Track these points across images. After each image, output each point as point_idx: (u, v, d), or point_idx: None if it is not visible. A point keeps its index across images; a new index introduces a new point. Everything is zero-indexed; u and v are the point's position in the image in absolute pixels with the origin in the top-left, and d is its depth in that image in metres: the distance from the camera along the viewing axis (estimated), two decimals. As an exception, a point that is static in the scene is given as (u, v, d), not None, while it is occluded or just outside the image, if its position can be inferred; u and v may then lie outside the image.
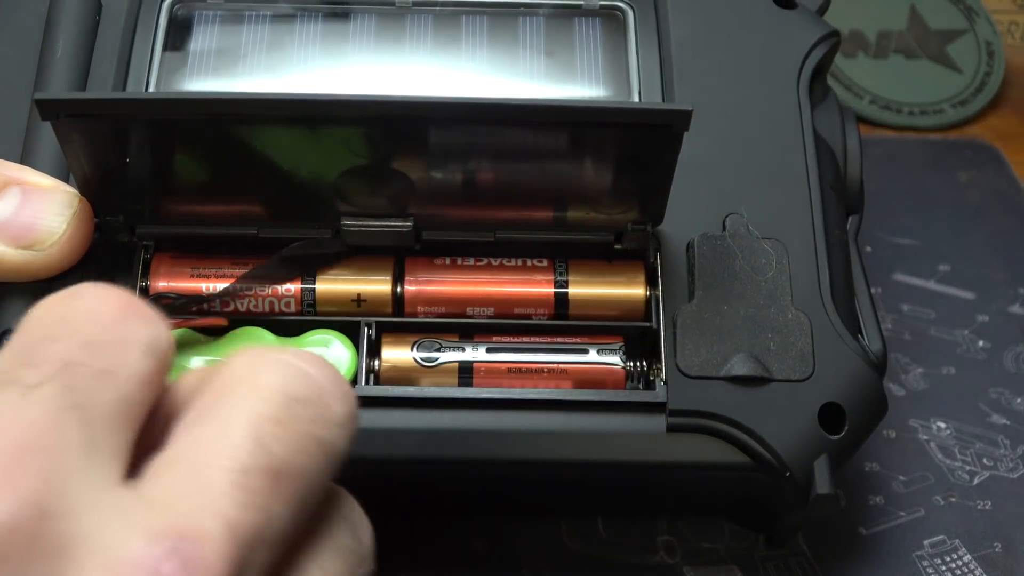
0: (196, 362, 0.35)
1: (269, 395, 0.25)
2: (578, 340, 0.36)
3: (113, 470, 0.24)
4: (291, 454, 0.24)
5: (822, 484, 0.34)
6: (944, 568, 0.40)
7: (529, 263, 0.37)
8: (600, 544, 0.40)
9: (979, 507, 0.42)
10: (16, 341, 0.25)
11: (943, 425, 0.44)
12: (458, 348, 0.36)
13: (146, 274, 0.36)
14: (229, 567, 0.22)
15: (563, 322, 0.36)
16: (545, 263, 0.37)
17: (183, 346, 0.35)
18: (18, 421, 0.23)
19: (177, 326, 0.35)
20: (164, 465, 0.24)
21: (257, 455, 0.24)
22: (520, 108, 0.32)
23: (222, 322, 0.35)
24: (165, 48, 0.39)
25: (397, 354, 0.36)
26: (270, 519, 0.24)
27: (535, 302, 0.36)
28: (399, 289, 0.36)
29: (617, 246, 0.37)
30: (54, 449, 0.23)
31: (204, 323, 0.35)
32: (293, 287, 0.36)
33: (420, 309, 0.37)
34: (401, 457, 0.34)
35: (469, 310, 0.37)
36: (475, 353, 0.36)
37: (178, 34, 0.39)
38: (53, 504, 0.22)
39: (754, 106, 0.39)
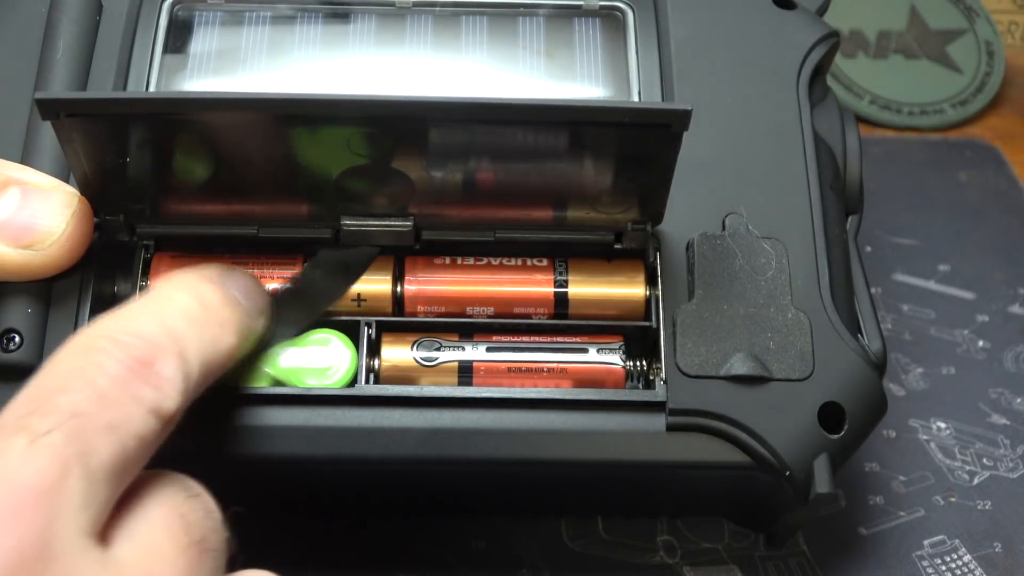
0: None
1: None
2: (578, 339, 0.36)
3: (97, 525, 0.26)
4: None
5: (822, 483, 0.34)
6: (944, 568, 0.40)
7: (529, 263, 0.37)
8: (600, 544, 0.40)
9: (979, 507, 0.42)
10: (31, 388, 0.27)
11: (943, 425, 0.44)
12: (458, 347, 0.36)
13: (146, 274, 0.36)
14: None
15: (563, 321, 0.36)
16: (545, 263, 0.37)
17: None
18: (24, 468, 0.25)
19: None
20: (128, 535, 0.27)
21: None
22: (520, 108, 0.32)
23: None
24: (165, 49, 0.39)
25: (397, 353, 0.36)
26: None
27: (535, 301, 0.37)
28: (399, 289, 0.36)
29: (617, 245, 0.37)
30: (55, 498, 0.25)
31: None
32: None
33: (420, 308, 0.37)
34: (401, 456, 0.34)
35: (469, 309, 0.37)
36: (475, 352, 0.36)
37: (178, 35, 0.39)
38: (45, 553, 0.24)
39: (754, 106, 0.39)
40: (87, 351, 0.27)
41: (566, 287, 0.37)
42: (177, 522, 0.27)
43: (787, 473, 0.34)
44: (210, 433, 0.33)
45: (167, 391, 0.28)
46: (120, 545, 0.26)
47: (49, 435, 0.25)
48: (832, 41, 0.40)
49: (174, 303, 0.30)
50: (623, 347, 0.36)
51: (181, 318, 0.29)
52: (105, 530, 0.26)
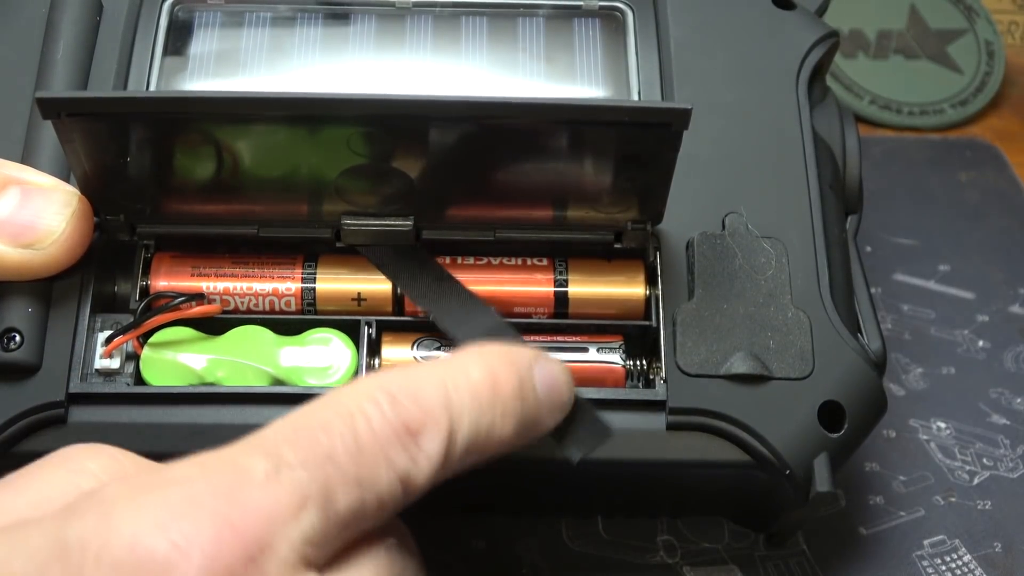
0: (197, 360, 0.35)
1: None
2: (578, 339, 0.36)
3: (316, 564, 0.26)
4: None
5: (822, 482, 0.34)
6: (944, 568, 0.40)
7: (529, 262, 0.37)
8: (600, 544, 0.40)
9: (979, 507, 0.42)
10: (297, 415, 0.27)
11: (943, 425, 0.44)
12: (458, 347, 0.36)
13: (146, 273, 0.36)
14: None
15: (563, 321, 0.36)
16: (545, 262, 0.37)
17: (183, 344, 0.35)
18: (263, 491, 0.25)
19: (171, 319, 0.35)
20: None
21: None
22: (520, 106, 0.32)
23: (216, 309, 0.35)
24: (166, 49, 0.39)
25: (397, 353, 0.36)
26: None
27: (535, 301, 0.37)
28: (399, 289, 0.36)
29: (617, 245, 0.37)
30: (283, 525, 0.25)
31: (198, 312, 0.35)
32: (294, 286, 0.36)
33: (420, 308, 0.37)
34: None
35: (469, 309, 0.37)
36: (475, 352, 0.36)
37: (179, 36, 0.39)
38: (257, 571, 0.24)
39: (753, 106, 0.39)
40: (362, 399, 0.27)
41: (566, 287, 0.37)
42: None
43: (787, 472, 0.34)
44: (209, 432, 0.33)
45: (422, 465, 0.27)
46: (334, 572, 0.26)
47: (296, 470, 0.25)
48: (831, 41, 0.40)
49: (465, 378, 0.29)
50: (623, 346, 0.36)
51: (465, 395, 0.28)
52: (323, 572, 0.26)
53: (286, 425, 0.27)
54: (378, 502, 0.27)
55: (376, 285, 0.36)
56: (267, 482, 0.25)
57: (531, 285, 0.37)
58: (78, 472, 0.27)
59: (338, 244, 0.36)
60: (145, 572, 0.23)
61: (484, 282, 0.36)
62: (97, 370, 0.34)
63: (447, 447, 0.28)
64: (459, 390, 0.28)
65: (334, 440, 0.26)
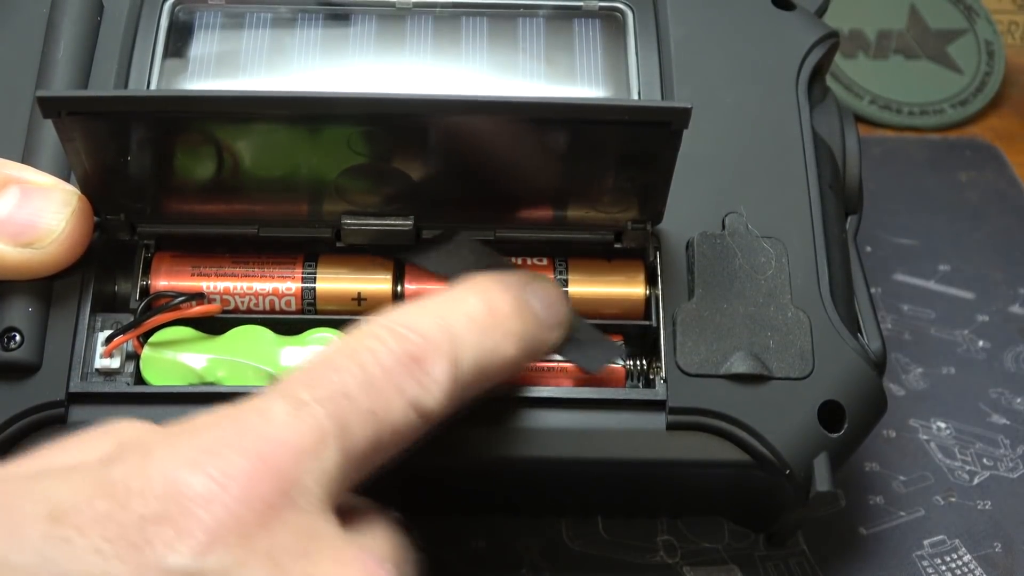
0: (197, 360, 0.35)
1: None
2: (578, 339, 0.36)
3: (337, 498, 0.27)
4: None
5: (822, 482, 0.34)
6: (944, 568, 0.40)
7: (529, 262, 0.37)
8: (600, 544, 0.40)
9: (979, 507, 0.42)
10: (308, 363, 0.28)
11: (943, 425, 0.44)
12: (458, 347, 0.36)
13: (147, 273, 0.36)
14: None
15: (563, 321, 0.36)
16: (545, 262, 0.37)
17: (183, 343, 0.35)
18: (286, 428, 0.26)
19: (171, 318, 0.35)
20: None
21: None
22: (521, 106, 0.32)
23: (216, 308, 0.35)
24: (166, 49, 0.39)
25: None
26: None
27: (535, 301, 0.36)
28: (399, 288, 0.36)
29: (617, 245, 0.37)
30: (310, 459, 0.26)
31: (198, 312, 0.35)
32: (294, 286, 0.36)
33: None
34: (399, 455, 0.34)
35: (469, 309, 0.37)
36: (475, 351, 0.36)
37: (179, 36, 0.39)
38: (290, 503, 0.25)
39: (753, 106, 0.39)
40: (366, 337, 0.29)
41: (566, 286, 0.37)
42: (398, 546, 0.28)
43: (787, 472, 0.34)
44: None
45: (431, 390, 0.28)
46: (348, 527, 0.27)
47: (313, 406, 0.27)
48: (831, 41, 0.40)
49: (462, 306, 0.30)
50: (623, 346, 0.36)
51: (464, 322, 0.30)
52: (338, 508, 0.27)
53: (299, 371, 0.28)
54: (392, 432, 0.28)
55: (376, 285, 0.36)
56: (289, 420, 0.26)
57: (531, 285, 0.37)
58: (117, 441, 0.28)
59: (338, 244, 0.36)
60: (187, 504, 0.25)
61: (484, 282, 0.36)
62: (97, 370, 0.34)
63: (454, 371, 0.29)
64: (457, 318, 0.30)
65: (345, 378, 0.27)
